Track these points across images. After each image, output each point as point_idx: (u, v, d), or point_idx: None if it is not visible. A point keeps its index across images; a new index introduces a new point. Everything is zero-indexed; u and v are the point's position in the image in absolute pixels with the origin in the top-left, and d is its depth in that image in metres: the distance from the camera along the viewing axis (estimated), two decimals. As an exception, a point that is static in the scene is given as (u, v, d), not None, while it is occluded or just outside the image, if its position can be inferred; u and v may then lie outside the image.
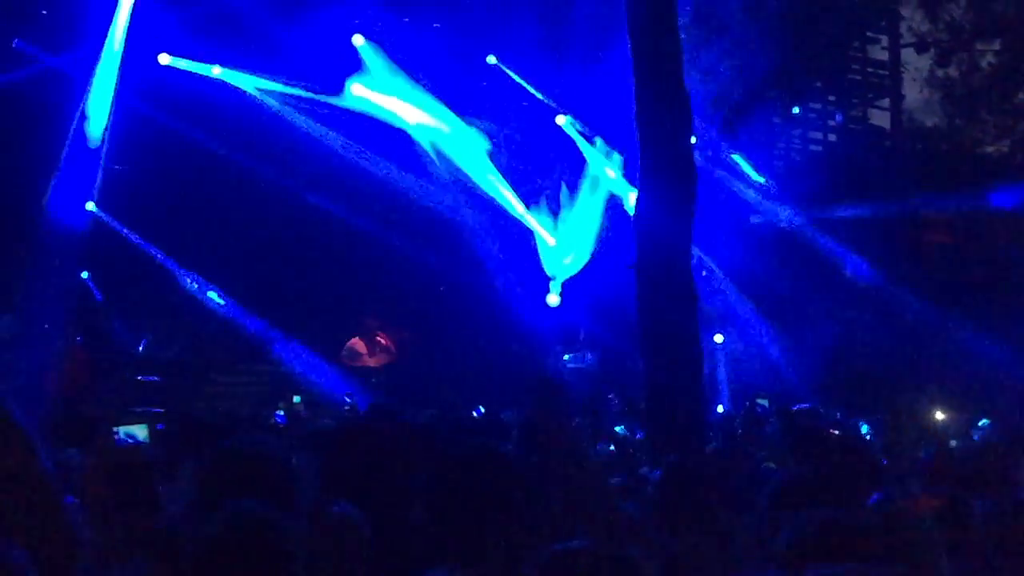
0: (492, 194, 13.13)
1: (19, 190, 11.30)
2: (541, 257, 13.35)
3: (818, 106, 14.13)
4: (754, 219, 13.83)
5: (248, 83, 12.38)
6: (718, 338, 13.13)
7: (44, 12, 11.26)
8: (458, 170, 12.84)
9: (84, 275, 12.03)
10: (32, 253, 11.51)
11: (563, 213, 13.29)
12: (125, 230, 12.10)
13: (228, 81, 12.28)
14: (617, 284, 9.07)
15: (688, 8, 7.59)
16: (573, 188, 13.27)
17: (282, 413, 9.54)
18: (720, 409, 11.27)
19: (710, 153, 12.32)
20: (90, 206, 12.09)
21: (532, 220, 13.33)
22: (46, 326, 11.12)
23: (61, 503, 2.38)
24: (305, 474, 3.10)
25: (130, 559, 3.18)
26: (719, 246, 11.97)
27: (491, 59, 13.04)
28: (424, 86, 12.62)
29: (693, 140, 10.93)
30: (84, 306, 11.88)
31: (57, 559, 2.36)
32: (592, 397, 5.78)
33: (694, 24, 7.75)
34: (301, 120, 12.61)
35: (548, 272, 13.31)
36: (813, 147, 14.00)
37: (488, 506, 2.48)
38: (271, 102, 12.50)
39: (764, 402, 10.61)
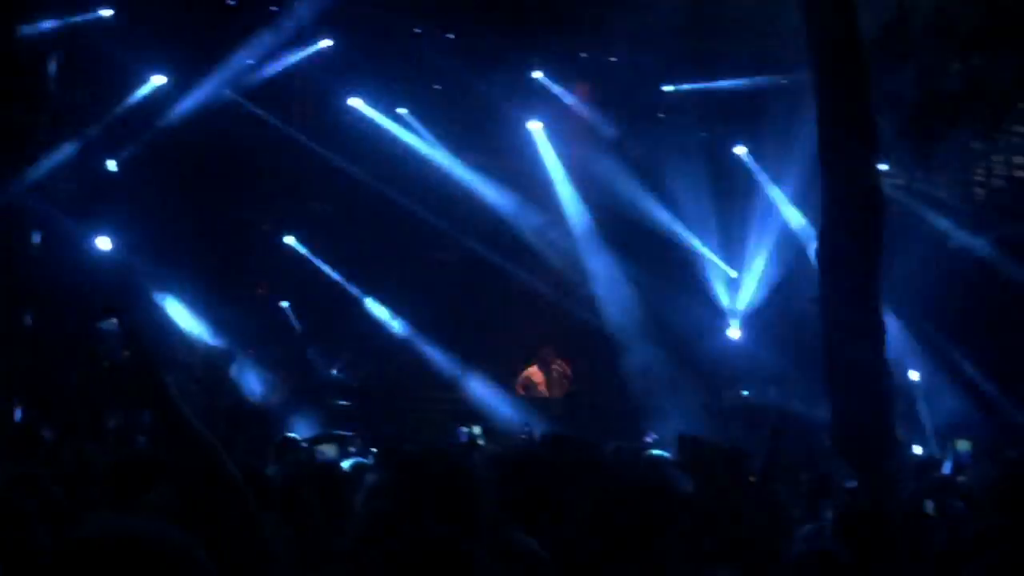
0: (664, 227, 13.09)
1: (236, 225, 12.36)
2: (716, 290, 13.14)
3: (1022, 128, 13.22)
4: (951, 245, 13.07)
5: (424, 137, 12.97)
6: (914, 375, 12.45)
7: None
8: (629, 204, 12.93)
9: (284, 304, 12.88)
10: (239, 282, 12.51)
11: (733, 244, 13.07)
12: (319, 262, 12.91)
13: (409, 126, 12.92)
14: (799, 317, 8.82)
15: (872, 33, 7.35)
16: (747, 219, 13.03)
17: (465, 430, 9.84)
18: (918, 450, 10.64)
19: (900, 182, 11.77)
20: (289, 239, 12.97)
21: (708, 253, 13.17)
22: (250, 351, 11.98)
23: (254, 511, 2.53)
24: (486, 495, 3.18)
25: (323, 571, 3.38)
26: (911, 276, 11.40)
27: (667, 88, 13.01)
28: (597, 122, 12.79)
29: (885, 167, 10.56)
30: (286, 334, 12.72)
31: (247, 566, 2.53)
32: (772, 435, 5.63)
33: (879, 49, 7.47)
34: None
35: (725, 304, 13.08)
36: (1018, 172, 13.13)
37: (651, 541, 2.50)
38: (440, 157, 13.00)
39: (966, 445, 9.92)
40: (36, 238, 11.01)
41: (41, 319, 10.76)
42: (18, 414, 9.69)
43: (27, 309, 10.72)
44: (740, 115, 12.89)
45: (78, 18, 10.90)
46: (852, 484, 6.16)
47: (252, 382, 11.65)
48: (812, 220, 10.77)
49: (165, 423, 2.48)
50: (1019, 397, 11.77)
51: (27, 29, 10.49)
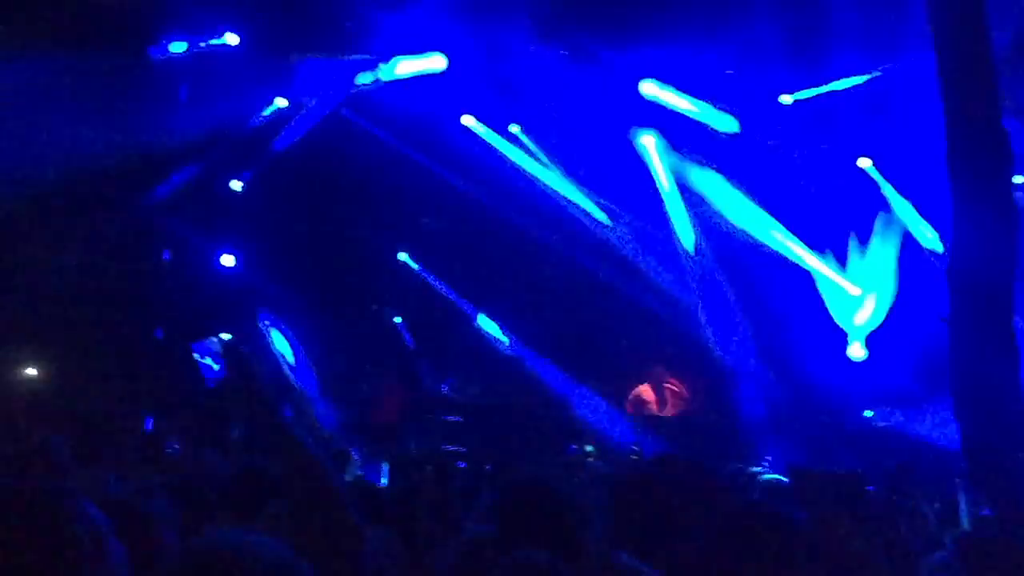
0: (772, 243, 12.73)
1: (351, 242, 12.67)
2: (830, 307, 12.64)
3: None
4: None
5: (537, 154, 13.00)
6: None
7: None
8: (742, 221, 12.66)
9: (397, 320, 13.12)
10: (354, 298, 12.81)
11: (853, 260, 12.58)
12: (432, 278, 13.12)
13: (522, 144, 12.98)
14: (929, 336, 8.41)
15: (1007, 38, 6.99)
16: (862, 233, 12.53)
17: (576, 447, 9.83)
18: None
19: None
20: (402, 256, 13.21)
21: (826, 269, 12.72)
22: (367, 367, 12.26)
23: (359, 527, 2.56)
24: (593, 519, 3.14)
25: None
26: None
27: (785, 99, 12.65)
28: (715, 131, 12.55)
29: (1021, 179, 9.97)
30: (398, 349, 12.96)
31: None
32: (898, 469, 5.36)
33: (1016, 54, 7.11)
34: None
35: (840, 323, 12.58)
36: None
37: (767, 569, 2.40)
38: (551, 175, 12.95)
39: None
40: (166, 255, 11.55)
41: (171, 333, 11.26)
42: (149, 424, 10.16)
43: (158, 323, 11.24)
44: (864, 126, 12.44)
45: (205, 44, 11.41)
46: (986, 513, 5.83)
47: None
48: (943, 234, 10.33)
49: (270, 438, 2.55)
50: None
51: (158, 54, 11.04)
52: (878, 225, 12.50)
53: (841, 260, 12.72)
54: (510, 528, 2.82)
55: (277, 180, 12.12)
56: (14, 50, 9.80)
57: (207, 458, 5.29)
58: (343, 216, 12.66)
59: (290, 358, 12.10)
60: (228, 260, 11.97)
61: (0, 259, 10.58)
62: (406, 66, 11.92)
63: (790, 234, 12.73)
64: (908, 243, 12.37)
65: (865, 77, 11.73)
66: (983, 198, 6.26)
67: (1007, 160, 6.32)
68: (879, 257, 12.46)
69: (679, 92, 12.50)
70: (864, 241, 12.58)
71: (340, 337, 12.33)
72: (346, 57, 11.74)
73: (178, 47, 11.24)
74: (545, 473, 3.45)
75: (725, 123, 12.44)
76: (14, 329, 10.58)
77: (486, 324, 13.16)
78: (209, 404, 9.59)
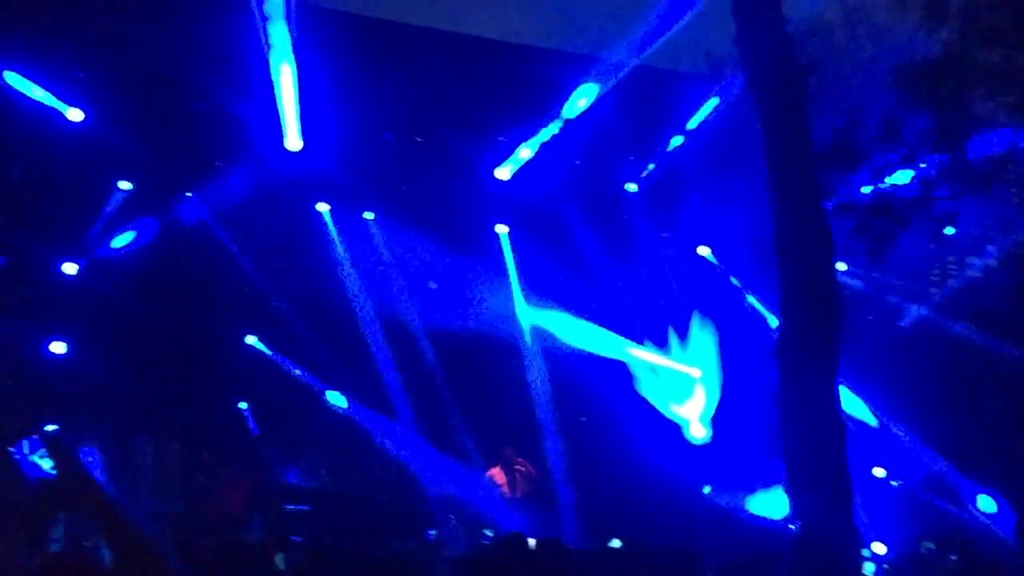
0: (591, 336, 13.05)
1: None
2: (646, 392, 12.98)
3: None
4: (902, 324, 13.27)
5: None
6: (879, 472, 12.41)
7: None
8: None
9: (243, 406, 12.62)
10: (197, 381, 12.25)
11: (675, 348, 13.11)
12: (281, 361, 12.73)
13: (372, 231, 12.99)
14: (761, 415, 8.80)
15: (828, 137, 7.59)
16: (681, 321, 13.11)
17: (434, 533, 9.64)
18: (883, 549, 10.59)
19: (853, 270, 11.92)
20: (250, 339, 12.78)
21: (661, 359, 13.16)
22: (205, 455, 11.69)
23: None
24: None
25: None
26: (871, 365, 11.51)
27: (631, 186, 13.17)
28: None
29: (844, 267, 10.65)
30: (242, 436, 12.45)
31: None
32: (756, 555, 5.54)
33: (834, 152, 7.70)
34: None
35: (660, 406, 12.94)
36: (971, 272, 13.32)
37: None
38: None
39: (931, 545, 9.91)
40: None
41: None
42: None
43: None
44: (703, 214, 13.05)
45: (48, 117, 10.76)
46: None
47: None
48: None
49: (104, 528, 2.45)
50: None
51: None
52: (696, 315, 13.06)
53: (683, 344, 13.18)
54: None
55: (117, 263, 11.59)
56: None
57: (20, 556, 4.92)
58: (187, 301, 12.15)
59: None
60: (58, 347, 11.27)
61: None
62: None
63: (637, 323, 13.14)
64: (735, 327, 12.95)
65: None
66: (807, 282, 6.68)
67: (828, 247, 6.79)
68: (701, 343, 13.00)
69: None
70: (684, 330, 13.12)
71: (179, 425, 11.74)
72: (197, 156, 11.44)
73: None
74: (399, 551, 3.38)
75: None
76: None
77: (338, 400, 12.80)
78: (31, 502, 8.86)
